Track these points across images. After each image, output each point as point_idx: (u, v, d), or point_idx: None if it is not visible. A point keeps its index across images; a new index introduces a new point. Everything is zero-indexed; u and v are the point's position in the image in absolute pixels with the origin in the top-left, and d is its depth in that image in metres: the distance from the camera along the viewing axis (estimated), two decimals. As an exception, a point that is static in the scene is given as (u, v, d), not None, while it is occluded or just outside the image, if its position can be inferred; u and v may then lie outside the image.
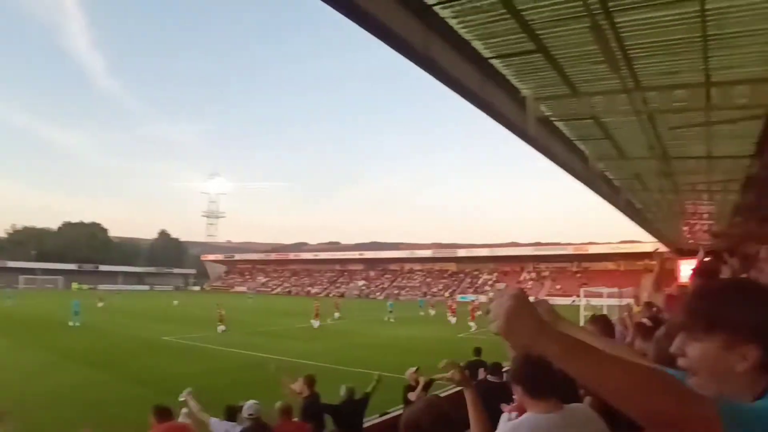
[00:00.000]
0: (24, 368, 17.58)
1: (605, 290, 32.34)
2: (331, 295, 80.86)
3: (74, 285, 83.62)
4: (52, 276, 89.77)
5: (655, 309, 9.03)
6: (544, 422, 2.47)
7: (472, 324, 31.36)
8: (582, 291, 39.48)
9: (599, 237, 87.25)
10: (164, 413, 5.57)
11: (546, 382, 2.53)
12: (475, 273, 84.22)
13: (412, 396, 7.21)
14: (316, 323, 31.82)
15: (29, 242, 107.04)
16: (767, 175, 10.40)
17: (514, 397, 2.99)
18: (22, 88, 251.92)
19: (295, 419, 6.40)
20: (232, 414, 6.34)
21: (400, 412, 9.76)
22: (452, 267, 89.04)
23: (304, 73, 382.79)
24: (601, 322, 4.49)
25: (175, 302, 42.94)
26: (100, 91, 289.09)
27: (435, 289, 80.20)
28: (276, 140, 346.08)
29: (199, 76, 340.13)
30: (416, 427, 2.02)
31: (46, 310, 41.63)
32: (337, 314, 37.93)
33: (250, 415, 5.79)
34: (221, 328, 28.53)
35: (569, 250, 78.01)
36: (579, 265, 76.82)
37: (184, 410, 6.71)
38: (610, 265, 74.09)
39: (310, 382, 7.22)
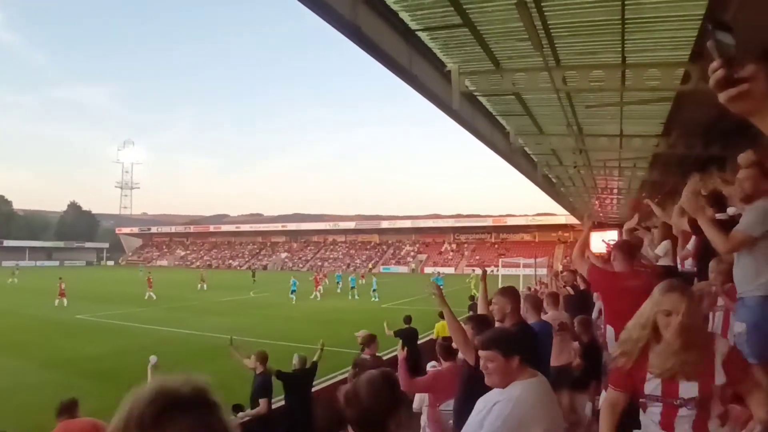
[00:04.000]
0: None
1: (522, 260, 33.57)
2: (252, 268, 79.74)
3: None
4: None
5: (577, 277, 9.48)
6: (539, 386, 2.65)
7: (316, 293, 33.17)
8: (500, 261, 40.86)
9: (517, 210, 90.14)
10: (67, 408, 5.09)
11: (531, 351, 2.69)
12: (398, 244, 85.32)
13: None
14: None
15: None
16: (672, 154, 11.02)
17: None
18: None
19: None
20: None
21: (338, 377, 10.03)
22: (375, 239, 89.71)
23: (226, 40, 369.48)
24: (509, 293, 4.63)
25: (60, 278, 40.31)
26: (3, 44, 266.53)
27: (358, 261, 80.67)
28: (196, 108, 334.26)
29: (115, 35, 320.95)
30: (355, 396, 2.03)
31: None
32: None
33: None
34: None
35: (488, 222, 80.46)
36: (497, 237, 79.44)
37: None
38: (526, 237, 77.17)
39: (263, 358, 7.24)
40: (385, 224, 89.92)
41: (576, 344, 6.60)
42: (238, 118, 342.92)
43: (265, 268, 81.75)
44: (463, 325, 4.04)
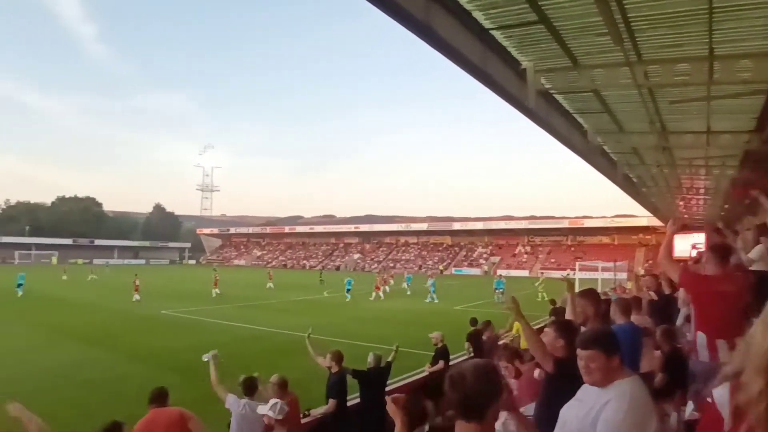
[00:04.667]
0: (21, 346, 17.60)
1: (600, 264, 32.47)
2: (327, 268, 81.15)
3: (54, 260, 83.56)
4: (46, 251, 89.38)
5: (661, 282, 9.06)
6: (643, 385, 2.61)
7: (380, 293, 34.26)
8: (577, 265, 39.73)
9: (595, 211, 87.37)
10: (158, 397, 5.29)
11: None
12: (470, 246, 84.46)
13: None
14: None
15: (23, 217, 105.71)
16: (766, 151, 10.34)
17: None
18: (8, 54, 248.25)
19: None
20: (250, 387, 6.05)
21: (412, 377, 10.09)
22: (447, 240, 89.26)
23: (300, 44, 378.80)
24: (590, 295, 4.50)
25: (135, 279, 42.35)
26: (90, 58, 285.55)
27: (430, 262, 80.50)
28: (271, 113, 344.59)
29: (195, 44, 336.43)
30: (462, 379, 2.11)
31: (46, 285, 41.82)
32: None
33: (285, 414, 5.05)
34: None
35: (564, 224, 78.12)
36: (574, 239, 77.17)
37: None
38: (605, 239, 74.49)
39: (339, 358, 7.32)
40: (457, 226, 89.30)
41: (658, 353, 6.30)
42: (311, 120, 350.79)
43: (338, 268, 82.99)
44: (545, 329, 3.97)
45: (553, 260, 71.93)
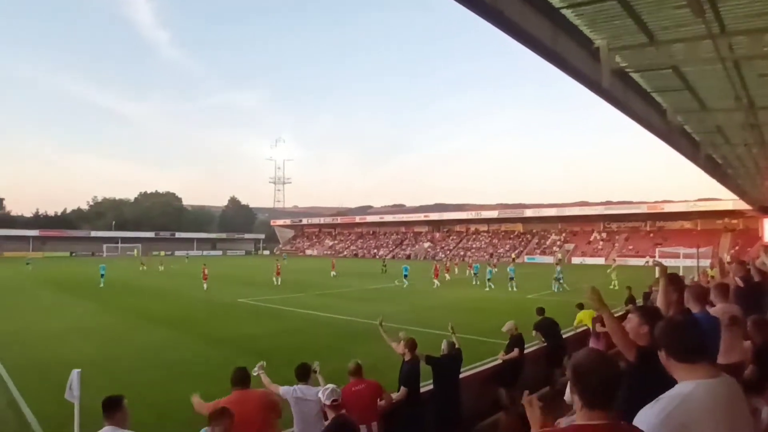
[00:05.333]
0: (111, 329, 18.76)
1: (682, 250, 30.95)
2: (397, 257, 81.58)
3: (136, 253, 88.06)
4: (131, 244, 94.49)
5: (749, 268, 8.54)
6: (718, 388, 2.34)
7: (436, 281, 34.64)
8: (657, 251, 38.12)
9: (675, 195, 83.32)
10: (242, 379, 5.50)
11: (700, 344, 2.48)
12: (543, 233, 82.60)
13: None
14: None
15: (109, 212, 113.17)
16: None
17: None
18: (90, 61, 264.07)
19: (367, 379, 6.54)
20: (304, 373, 6.17)
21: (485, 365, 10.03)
22: (519, 227, 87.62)
23: (366, 33, 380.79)
24: (674, 281, 4.30)
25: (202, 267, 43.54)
26: (165, 62, 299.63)
27: (501, 250, 79.43)
28: (340, 104, 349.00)
29: (262, 41, 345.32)
30: (589, 363, 2.17)
31: (126, 275, 44.35)
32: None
33: (334, 401, 5.22)
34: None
35: (643, 209, 74.92)
36: (653, 225, 73.89)
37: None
38: (686, 224, 70.92)
39: (412, 346, 7.32)
40: (529, 213, 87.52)
41: (748, 343, 5.91)
42: (377, 111, 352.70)
43: (408, 257, 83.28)
44: (629, 315, 3.84)
45: (630, 247, 69.29)
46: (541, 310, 11.66)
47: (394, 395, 6.95)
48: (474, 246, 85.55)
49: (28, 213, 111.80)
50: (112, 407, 4.47)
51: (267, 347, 15.08)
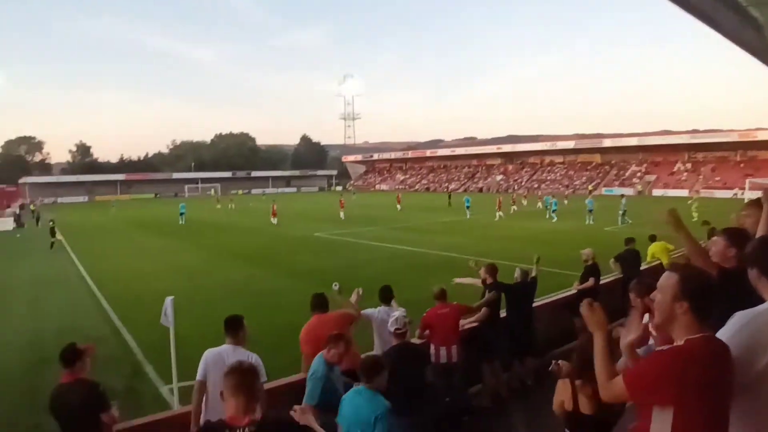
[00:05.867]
0: (194, 265, 19.88)
1: (775, 180, 28.98)
2: (469, 190, 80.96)
3: (213, 192, 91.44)
4: (210, 184, 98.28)
5: None
6: None
7: (500, 213, 34.50)
8: (747, 182, 35.85)
9: (769, 121, 77.21)
10: (320, 303, 5.76)
11: None
12: (622, 164, 79.20)
13: None
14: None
15: (187, 155, 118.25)
16: None
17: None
18: (160, 12, 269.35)
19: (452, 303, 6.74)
20: (387, 296, 6.41)
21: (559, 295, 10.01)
22: (597, 158, 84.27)
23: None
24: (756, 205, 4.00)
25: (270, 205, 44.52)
26: (228, 5, 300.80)
27: (578, 182, 77.12)
28: (408, 38, 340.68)
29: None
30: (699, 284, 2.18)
31: (203, 214, 46.47)
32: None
33: (397, 329, 5.36)
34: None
35: (732, 137, 69.95)
36: (744, 154, 69.05)
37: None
38: (782, 153, 65.98)
39: (492, 270, 7.44)
40: (607, 143, 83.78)
41: None
42: (445, 42, 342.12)
43: (480, 190, 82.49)
44: (714, 237, 3.68)
45: (717, 178, 65.45)
46: (629, 240, 11.25)
47: (474, 317, 7.08)
48: (549, 178, 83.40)
49: (114, 159, 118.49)
50: (234, 326, 4.79)
51: (343, 278, 15.59)
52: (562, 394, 3.64)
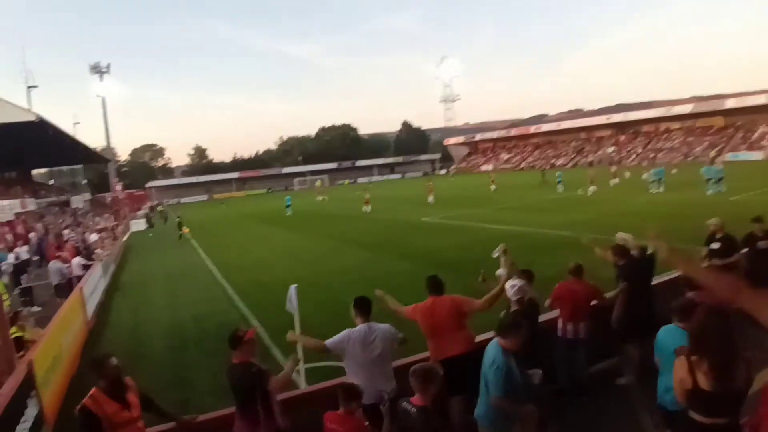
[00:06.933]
0: (309, 253, 20.79)
1: None
2: (579, 165, 77.84)
3: (318, 183, 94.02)
4: (318, 176, 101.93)
5: None
6: None
7: (593, 187, 33.44)
8: None
9: None
10: (435, 286, 5.78)
11: None
12: (749, 126, 72.45)
13: None
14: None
15: (294, 150, 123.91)
16: None
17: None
18: (253, 13, 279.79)
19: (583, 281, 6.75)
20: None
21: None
22: (719, 122, 77.61)
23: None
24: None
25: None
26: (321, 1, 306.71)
27: (698, 149, 71.75)
28: (498, 12, 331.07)
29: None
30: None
31: (309, 205, 48.29)
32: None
33: (520, 298, 5.77)
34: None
35: None
36: None
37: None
38: None
39: (621, 251, 7.26)
40: (730, 103, 76.83)
41: None
42: (540, 12, 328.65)
43: (591, 164, 79.01)
44: None
45: None
46: (758, 219, 9.80)
47: (612, 294, 6.93)
48: (666, 147, 78.08)
49: (228, 159, 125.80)
50: (367, 306, 5.25)
51: (454, 259, 15.73)
52: (680, 371, 3.52)
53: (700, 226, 9.75)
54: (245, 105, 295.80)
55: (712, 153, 66.79)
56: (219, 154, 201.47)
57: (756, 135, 70.14)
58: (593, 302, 6.74)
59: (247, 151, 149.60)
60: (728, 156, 66.01)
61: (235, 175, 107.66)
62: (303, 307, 6.73)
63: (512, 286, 5.71)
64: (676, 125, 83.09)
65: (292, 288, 6.48)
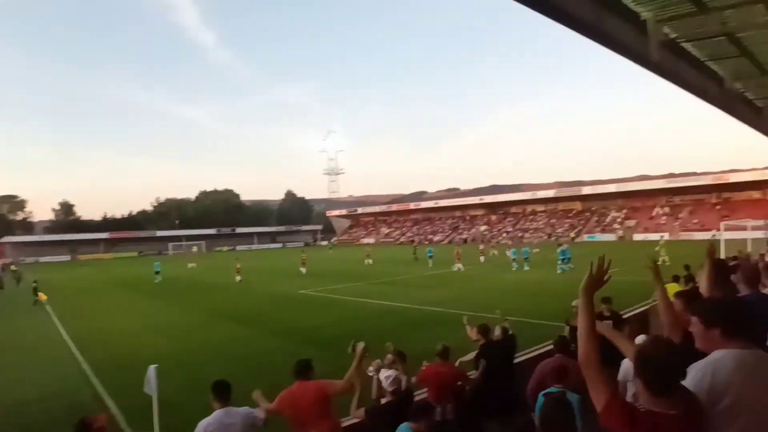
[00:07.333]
0: (177, 326, 19.66)
1: (750, 222, 29.56)
2: (453, 242, 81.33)
3: (195, 249, 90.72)
4: (195, 241, 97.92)
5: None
6: (748, 358, 2.47)
7: (460, 265, 34.38)
8: (722, 225, 36.64)
9: (743, 164, 79.42)
10: (302, 370, 5.55)
11: (744, 322, 2.60)
12: (603, 210, 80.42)
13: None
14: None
15: (172, 212, 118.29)
16: None
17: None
18: (143, 69, 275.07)
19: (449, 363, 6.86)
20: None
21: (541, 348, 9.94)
22: (577, 206, 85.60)
23: (406, 22, 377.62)
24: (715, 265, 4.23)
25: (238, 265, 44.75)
26: (213, 63, 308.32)
27: (560, 230, 77.91)
28: (389, 93, 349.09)
29: (306, 38, 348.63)
30: (649, 358, 2.25)
31: (181, 272, 46.08)
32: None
33: (394, 388, 5.55)
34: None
35: (707, 180, 71.81)
36: (719, 196, 70.60)
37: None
38: (755, 195, 67.49)
39: (484, 330, 7.47)
40: (587, 190, 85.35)
41: None
42: (425, 96, 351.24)
43: (465, 241, 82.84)
44: (674, 299, 3.87)
45: (695, 221, 66.64)
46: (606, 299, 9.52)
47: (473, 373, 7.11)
48: (531, 227, 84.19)
49: (97, 217, 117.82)
50: (226, 390, 4.98)
51: (331, 336, 15.52)
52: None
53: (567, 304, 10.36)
54: (121, 161, 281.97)
55: (572, 234, 72.88)
56: (88, 211, 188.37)
57: (608, 219, 77.56)
58: (459, 383, 6.92)
59: (119, 211, 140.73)
60: (585, 237, 72.22)
61: (104, 235, 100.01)
62: (165, 388, 6.33)
63: (387, 377, 5.62)
64: (541, 207, 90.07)
65: (151, 369, 6.09)
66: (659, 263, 3.90)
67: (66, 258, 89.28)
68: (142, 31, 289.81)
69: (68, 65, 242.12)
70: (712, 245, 4.20)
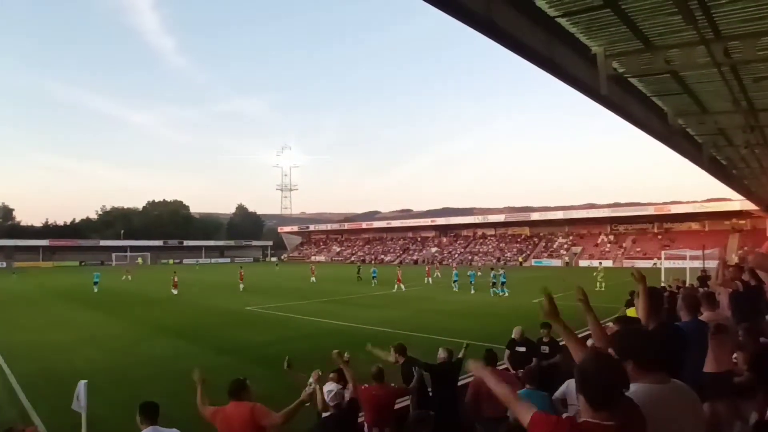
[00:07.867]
0: (115, 339, 18.91)
1: (688, 252, 30.84)
2: (404, 263, 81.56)
3: (140, 261, 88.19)
4: (140, 252, 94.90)
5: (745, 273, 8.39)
6: (657, 391, 2.49)
7: (401, 286, 35.22)
8: (663, 253, 38.08)
9: (683, 196, 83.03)
10: (236, 390, 5.32)
11: (655, 355, 2.61)
12: (550, 237, 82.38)
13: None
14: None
15: (117, 222, 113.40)
16: None
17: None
18: (97, 71, 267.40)
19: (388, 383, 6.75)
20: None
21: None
22: (526, 231, 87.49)
23: (369, 45, 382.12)
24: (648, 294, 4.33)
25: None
26: (172, 70, 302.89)
27: (509, 254, 79.27)
28: (346, 112, 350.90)
29: (269, 49, 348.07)
30: (588, 375, 2.23)
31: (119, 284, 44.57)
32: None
33: (336, 403, 5.66)
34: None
35: (650, 211, 74.69)
36: (660, 226, 73.54)
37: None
38: (694, 226, 70.60)
39: (401, 349, 7.54)
40: (536, 216, 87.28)
41: (741, 353, 5.78)
42: (382, 117, 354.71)
43: (416, 262, 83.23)
44: (609, 324, 3.94)
45: (638, 249, 69.00)
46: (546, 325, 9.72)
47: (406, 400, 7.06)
48: (481, 250, 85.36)
49: (38, 223, 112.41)
50: (154, 411, 4.96)
51: (275, 353, 15.17)
52: None
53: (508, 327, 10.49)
54: (66, 166, 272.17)
55: (520, 258, 74.21)
56: (28, 216, 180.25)
57: (555, 244, 79.40)
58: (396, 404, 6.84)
59: (62, 218, 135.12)
60: (533, 261, 73.66)
61: (44, 242, 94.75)
62: (96, 405, 6.01)
63: (329, 391, 5.65)
64: (491, 231, 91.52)
65: (81, 385, 5.77)
66: (597, 288, 3.97)
67: (1, 265, 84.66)
68: (94, 32, 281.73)
69: (6, 60, 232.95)
70: (639, 272, 4.27)
